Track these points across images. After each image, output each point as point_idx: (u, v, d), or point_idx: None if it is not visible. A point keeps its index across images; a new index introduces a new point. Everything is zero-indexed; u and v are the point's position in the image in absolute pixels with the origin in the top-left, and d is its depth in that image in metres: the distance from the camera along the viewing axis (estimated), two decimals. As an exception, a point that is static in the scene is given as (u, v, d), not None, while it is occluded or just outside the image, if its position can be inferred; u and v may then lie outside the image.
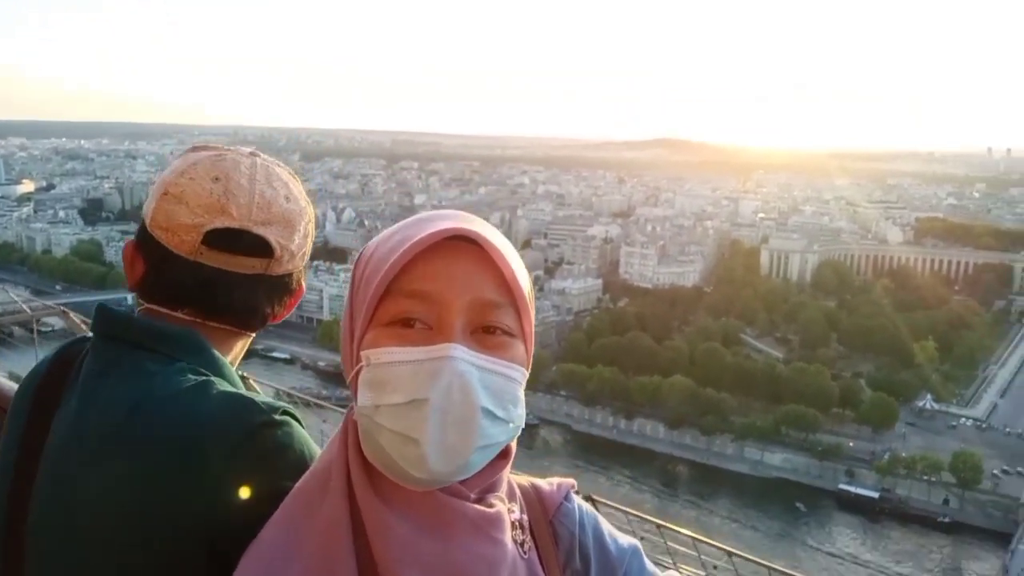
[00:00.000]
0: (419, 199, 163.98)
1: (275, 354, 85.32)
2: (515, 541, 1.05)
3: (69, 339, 1.44)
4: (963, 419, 76.36)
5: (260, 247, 1.37)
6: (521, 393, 1.02)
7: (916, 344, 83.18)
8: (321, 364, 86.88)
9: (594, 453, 72.79)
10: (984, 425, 75.52)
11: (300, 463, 1.17)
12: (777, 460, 70.16)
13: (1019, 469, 65.35)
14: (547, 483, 1.19)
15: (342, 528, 0.98)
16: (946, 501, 62.72)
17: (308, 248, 1.48)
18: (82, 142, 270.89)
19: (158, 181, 1.39)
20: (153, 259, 1.37)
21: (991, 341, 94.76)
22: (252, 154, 1.44)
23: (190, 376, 1.26)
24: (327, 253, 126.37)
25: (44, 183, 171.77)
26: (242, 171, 1.38)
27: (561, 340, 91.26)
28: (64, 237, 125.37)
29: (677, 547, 3.44)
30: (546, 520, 1.14)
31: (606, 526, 1.18)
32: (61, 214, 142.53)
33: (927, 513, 61.62)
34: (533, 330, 1.08)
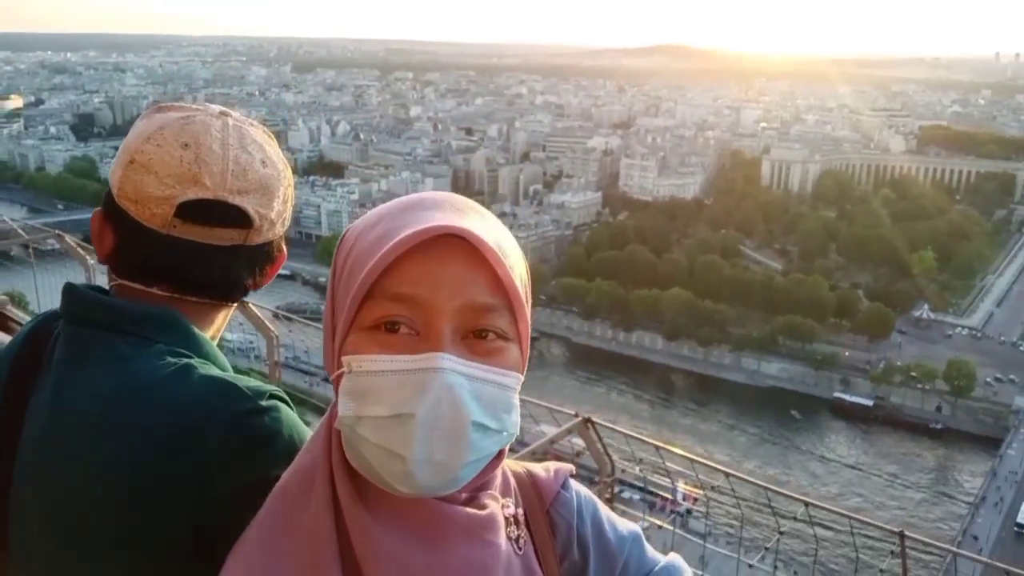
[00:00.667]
0: (415, 111, 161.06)
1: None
2: (510, 538, 1.01)
3: (37, 317, 1.36)
4: (959, 328, 77.32)
5: (237, 218, 1.28)
6: (515, 400, 0.95)
7: (914, 254, 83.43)
8: (321, 280, 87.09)
9: (593, 365, 73.95)
10: (979, 334, 76.50)
11: (290, 450, 1.12)
12: (774, 370, 71.36)
13: (1012, 377, 66.57)
14: (543, 469, 1.13)
15: (327, 538, 0.93)
16: (939, 408, 64.15)
17: (288, 213, 1.39)
18: (68, 55, 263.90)
19: (123, 146, 1.29)
20: (123, 232, 1.29)
21: (990, 251, 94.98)
22: (223, 114, 1.33)
23: (169, 359, 1.20)
24: (323, 168, 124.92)
25: (32, 98, 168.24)
26: (213, 135, 1.28)
27: (560, 254, 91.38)
28: (57, 154, 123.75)
29: (675, 467, 3.48)
30: (543, 511, 1.09)
31: (606, 513, 1.14)
32: (52, 130, 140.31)
33: (920, 420, 63.12)
34: (529, 330, 0.99)
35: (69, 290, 1.28)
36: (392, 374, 0.88)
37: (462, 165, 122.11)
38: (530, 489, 1.10)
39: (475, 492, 1.00)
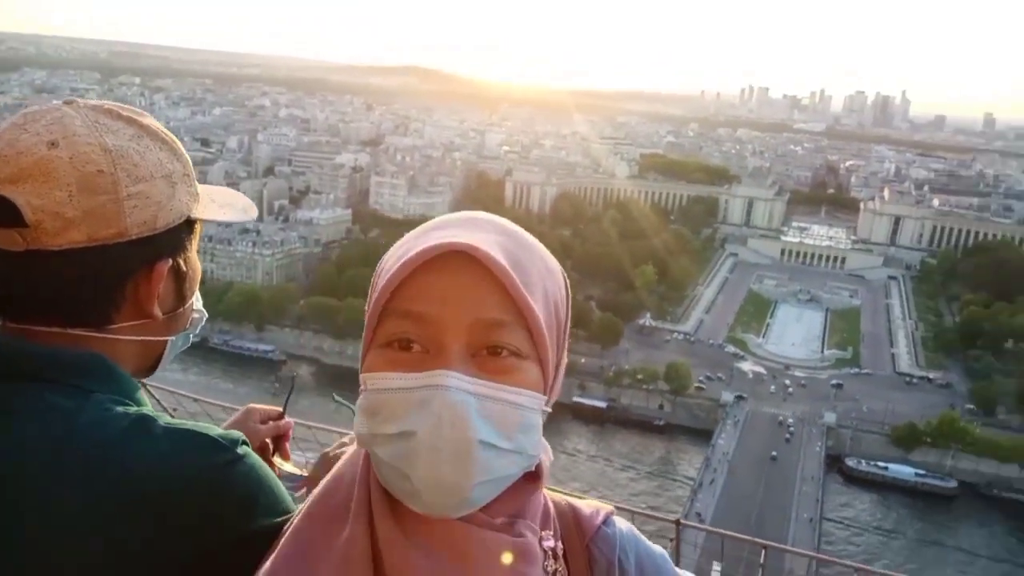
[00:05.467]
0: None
1: None
2: (546, 571, 0.99)
3: None
4: (675, 334, 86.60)
5: (7, 213, 1.05)
6: (534, 419, 0.93)
7: (637, 269, 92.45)
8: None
9: (347, 387, 72.28)
10: (692, 339, 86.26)
11: (273, 499, 1.09)
12: (519, 381, 74.98)
13: (719, 375, 75.79)
14: (587, 505, 1.10)
15: (361, 561, 0.92)
16: (661, 406, 71.32)
17: (122, 211, 1.10)
18: None
19: None
20: None
21: (699, 265, 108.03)
22: (67, 102, 1.16)
23: (118, 410, 1.07)
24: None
25: None
26: (15, 120, 1.12)
27: (309, 272, 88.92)
28: None
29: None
30: (582, 544, 1.06)
31: (647, 551, 1.10)
32: None
33: (646, 418, 69.78)
34: (557, 350, 0.97)
35: None
36: (399, 391, 0.88)
37: (199, 178, 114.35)
38: (571, 522, 1.07)
39: (512, 519, 0.98)
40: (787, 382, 74.81)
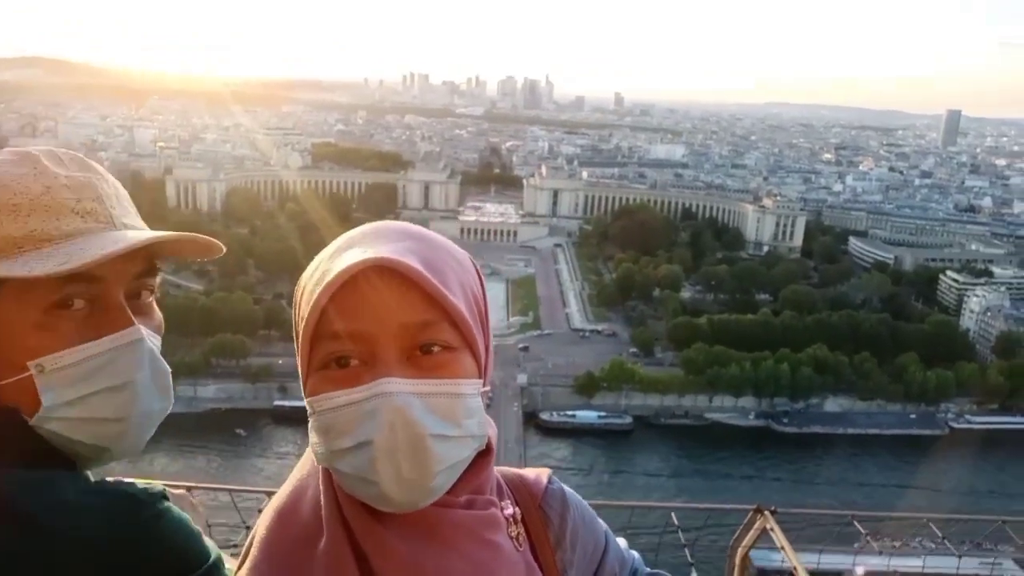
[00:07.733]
0: None
1: None
2: (510, 536, 1.09)
3: None
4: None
5: None
6: (475, 402, 1.00)
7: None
8: None
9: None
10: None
11: (201, 546, 1.07)
12: (211, 392, 69.93)
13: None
14: (530, 471, 1.24)
15: (348, 560, 0.97)
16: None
17: None
18: None
19: None
20: None
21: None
22: None
23: (9, 473, 0.96)
24: None
25: None
26: None
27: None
28: None
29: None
30: (535, 505, 1.18)
31: (586, 504, 1.25)
32: None
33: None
34: (485, 336, 1.05)
35: None
36: (347, 407, 0.94)
37: None
38: (521, 488, 1.19)
39: (472, 496, 1.07)
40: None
